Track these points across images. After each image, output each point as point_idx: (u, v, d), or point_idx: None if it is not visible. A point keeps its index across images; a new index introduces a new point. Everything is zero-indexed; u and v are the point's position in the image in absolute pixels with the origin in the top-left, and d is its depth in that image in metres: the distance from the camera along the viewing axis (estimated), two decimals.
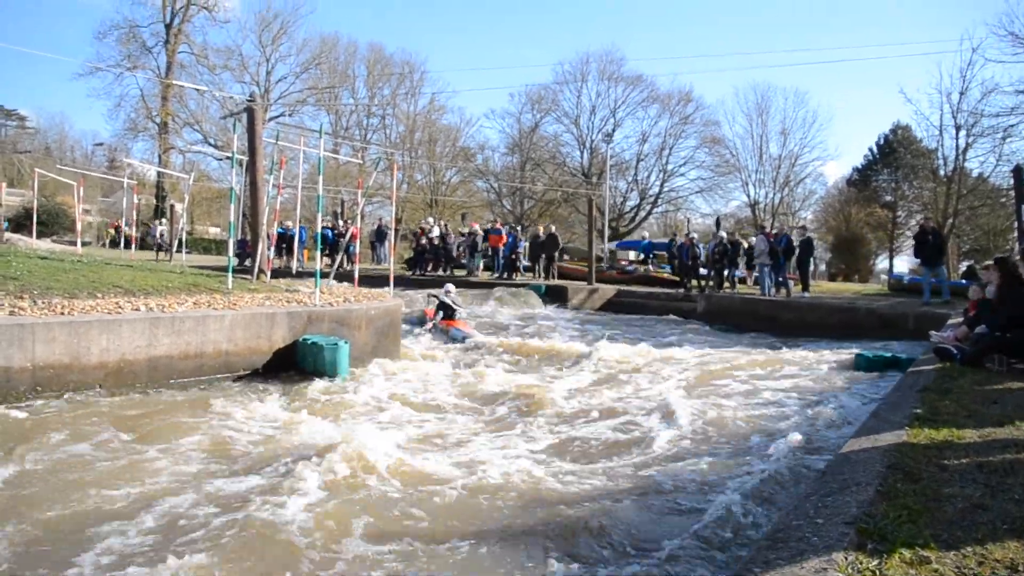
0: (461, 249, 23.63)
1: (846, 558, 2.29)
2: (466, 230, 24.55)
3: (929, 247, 14.96)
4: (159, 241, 26.16)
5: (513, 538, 3.75)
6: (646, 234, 23.93)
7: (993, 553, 2.37)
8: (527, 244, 23.45)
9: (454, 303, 13.00)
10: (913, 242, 16.12)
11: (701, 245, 19.84)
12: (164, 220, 30.08)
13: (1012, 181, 16.06)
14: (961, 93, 29.58)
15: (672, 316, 17.21)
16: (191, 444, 5.29)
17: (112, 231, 35.07)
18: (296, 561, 3.47)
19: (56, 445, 5.04)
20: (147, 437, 5.39)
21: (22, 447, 4.94)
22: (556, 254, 22.00)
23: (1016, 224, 14.73)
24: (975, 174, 32.48)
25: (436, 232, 23.84)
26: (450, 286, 13.54)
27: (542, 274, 21.69)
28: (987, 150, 30.13)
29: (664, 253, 23.39)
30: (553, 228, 23.06)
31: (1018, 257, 6.75)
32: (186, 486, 4.46)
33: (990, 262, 6.90)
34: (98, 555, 3.47)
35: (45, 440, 5.10)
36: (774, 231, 17.99)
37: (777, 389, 8.08)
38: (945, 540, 2.47)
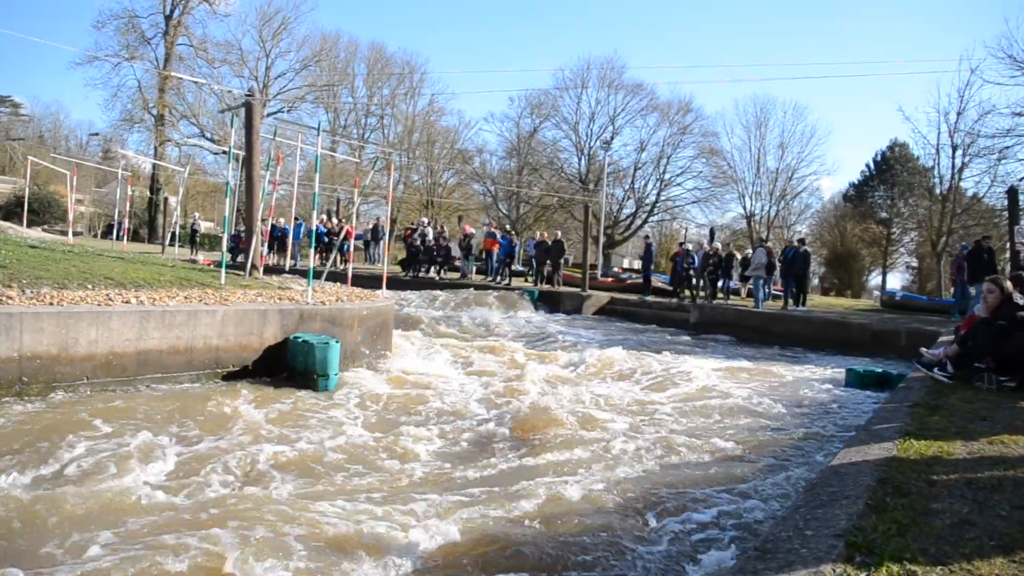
0: (461, 246, 23.72)
1: (834, 570, 2.28)
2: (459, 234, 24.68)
3: (985, 265, 14.85)
4: (197, 237, 26.11)
5: (481, 546, 3.73)
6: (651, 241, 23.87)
7: (980, 568, 2.37)
8: (523, 249, 23.46)
9: None
10: (962, 259, 16.00)
11: (696, 255, 19.87)
12: (198, 214, 29.99)
13: (1006, 202, 16.14)
14: (959, 113, 29.83)
15: (664, 325, 17.23)
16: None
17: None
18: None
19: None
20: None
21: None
22: (561, 261, 21.95)
23: (1009, 245, 14.80)
24: (970, 194, 32.71)
25: (430, 234, 23.77)
26: None
27: (543, 280, 21.63)
28: (982, 170, 30.39)
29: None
30: (559, 234, 23.05)
31: (1008, 281, 6.72)
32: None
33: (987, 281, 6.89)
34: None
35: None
36: (770, 241, 18.09)
37: (767, 401, 8.08)
38: (933, 554, 2.46)
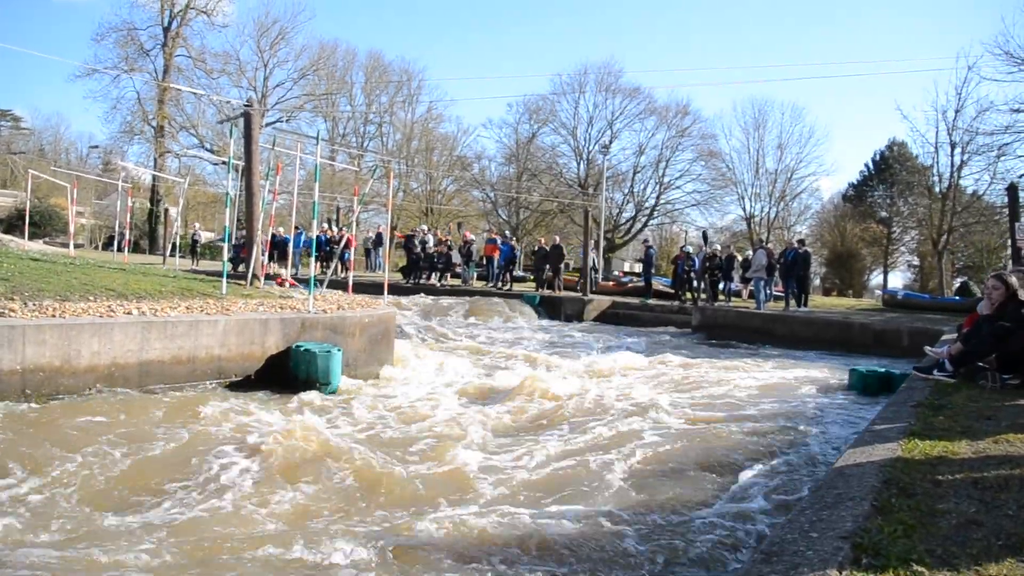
0: (462, 252, 23.79)
1: (841, 572, 2.27)
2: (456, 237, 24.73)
3: None
4: (198, 247, 26.29)
5: (481, 554, 3.72)
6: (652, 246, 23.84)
7: (987, 569, 2.36)
8: (523, 254, 23.49)
9: None
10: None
11: (696, 258, 19.89)
12: (198, 225, 30.15)
13: (1006, 199, 16.15)
14: (956, 111, 29.86)
15: (666, 328, 17.23)
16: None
17: None
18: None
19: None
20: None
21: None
22: (561, 266, 21.93)
23: (1010, 242, 14.79)
24: (970, 191, 32.72)
25: (431, 241, 23.78)
26: None
27: (544, 286, 21.61)
28: (982, 168, 30.37)
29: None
30: (557, 239, 23.05)
31: (1012, 277, 6.61)
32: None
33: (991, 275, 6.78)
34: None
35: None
36: (770, 243, 18.11)
37: (770, 403, 8.06)
38: (940, 556, 2.45)
